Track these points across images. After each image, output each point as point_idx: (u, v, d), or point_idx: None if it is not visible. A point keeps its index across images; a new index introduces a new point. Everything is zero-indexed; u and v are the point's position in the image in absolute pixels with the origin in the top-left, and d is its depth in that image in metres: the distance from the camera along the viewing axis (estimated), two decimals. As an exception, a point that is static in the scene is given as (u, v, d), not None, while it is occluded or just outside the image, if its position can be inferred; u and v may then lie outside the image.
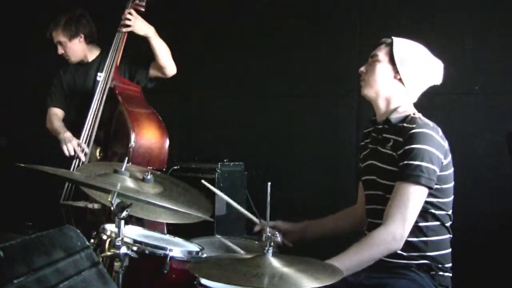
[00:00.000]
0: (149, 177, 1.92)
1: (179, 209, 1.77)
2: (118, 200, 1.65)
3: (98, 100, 2.87)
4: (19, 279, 1.05)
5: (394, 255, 1.90)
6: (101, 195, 1.87)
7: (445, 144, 1.96)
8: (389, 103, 2.06)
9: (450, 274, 1.97)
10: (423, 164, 1.84)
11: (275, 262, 1.50)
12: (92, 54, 3.13)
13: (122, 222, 1.66)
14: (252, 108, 3.92)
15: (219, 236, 2.39)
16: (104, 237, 1.80)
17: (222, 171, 3.41)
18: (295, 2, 3.81)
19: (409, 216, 1.83)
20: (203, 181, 2.14)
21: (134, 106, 2.88)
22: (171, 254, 1.79)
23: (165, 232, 2.45)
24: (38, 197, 3.15)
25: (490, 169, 2.96)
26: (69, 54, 3.07)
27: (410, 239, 1.87)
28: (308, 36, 3.72)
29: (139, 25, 2.88)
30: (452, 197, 1.99)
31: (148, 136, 2.81)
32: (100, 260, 1.38)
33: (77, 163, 2.83)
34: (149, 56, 2.97)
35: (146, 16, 2.98)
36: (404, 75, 2.03)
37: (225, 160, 3.49)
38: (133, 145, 2.73)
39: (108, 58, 2.93)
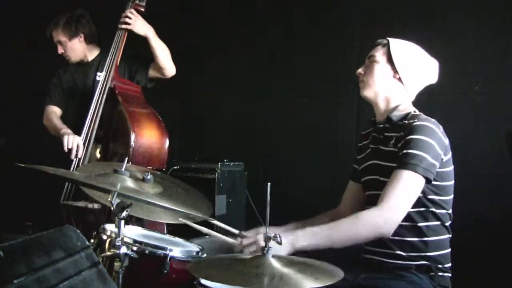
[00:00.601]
0: (149, 177, 1.92)
1: (179, 209, 1.77)
2: (118, 200, 1.65)
3: (98, 100, 2.87)
4: (19, 279, 1.05)
5: (394, 255, 1.90)
6: (101, 195, 1.87)
7: (446, 140, 1.96)
8: (389, 102, 2.07)
9: (450, 274, 1.97)
10: (421, 153, 1.84)
11: (275, 263, 1.50)
12: (92, 54, 3.13)
13: (122, 222, 1.66)
14: (252, 108, 3.92)
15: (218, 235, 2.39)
16: (104, 237, 1.80)
17: (222, 171, 3.42)
18: (295, 2, 3.82)
19: (405, 202, 1.82)
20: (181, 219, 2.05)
21: (134, 106, 2.88)
22: (171, 254, 1.79)
23: (165, 232, 2.45)
24: (38, 197, 3.14)
25: (490, 169, 2.97)
26: (69, 53, 3.07)
27: (410, 239, 1.87)
28: (308, 36, 3.73)
29: (139, 25, 2.88)
30: (452, 196, 1.99)
31: (148, 136, 2.82)
32: (100, 260, 1.38)
33: (76, 163, 2.83)
34: (149, 56, 2.97)
35: (146, 16, 2.98)
36: (403, 74, 2.04)
37: (225, 160, 3.49)
38: (133, 145, 2.73)
39: (108, 58, 2.93)
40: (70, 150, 2.80)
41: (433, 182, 1.89)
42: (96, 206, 2.65)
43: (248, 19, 3.98)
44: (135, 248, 1.73)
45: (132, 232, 2.02)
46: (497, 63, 3.06)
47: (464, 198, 2.11)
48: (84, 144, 2.84)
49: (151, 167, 2.65)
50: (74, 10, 3.09)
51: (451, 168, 1.98)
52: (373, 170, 2.07)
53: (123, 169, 1.82)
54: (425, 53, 2.09)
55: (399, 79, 2.05)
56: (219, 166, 3.41)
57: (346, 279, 1.74)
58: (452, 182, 1.98)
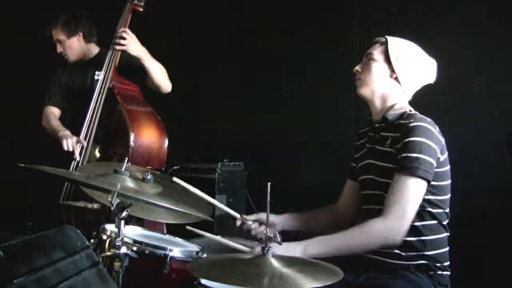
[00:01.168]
0: (149, 177, 1.92)
1: (179, 209, 1.77)
2: (118, 200, 1.65)
3: (97, 100, 2.87)
4: (19, 279, 1.05)
5: (393, 255, 1.90)
6: (101, 195, 1.87)
7: (442, 139, 1.96)
8: (385, 101, 2.07)
9: (449, 273, 1.97)
10: (421, 156, 1.84)
11: (275, 262, 1.50)
12: (91, 53, 3.13)
13: (122, 222, 1.66)
14: (252, 108, 3.92)
15: (218, 236, 2.39)
16: (104, 237, 1.80)
17: (222, 171, 3.42)
18: (295, 2, 3.82)
19: (409, 209, 1.82)
20: (174, 178, 2.09)
21: (133, 106, 2.88)
22: (171, 254, 1.79)
23: (165, 232, 2.45)
24: (38, 197, 3.14)
25: (490, 168, 2.96)
26: (68, 52, 3.07)
27: (408, 238, 1.87)
28: (308, 36, 3.72)
29: (133, 45, 2.84)
30: (449, 195, 1.99)
31: (147, 136, 2.81)
32: (100, 260, 1.38)
33: (76, 163, 2.83)
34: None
35: (146, 16, 2.98)
36: (400, 74, 2.04)
37: (225, 160, 3.49)
38: (132, 145, 2.73)
39: (106, 61, 2.92)
40: (72, 151, 2.80)
41: (431, 183, 1.89)
42: (95, 206, 2.65)
43: (248, 19, 3.98)
44: (135, 248, 1.73)
45: (132, 232, 2.02)
46: (497, 63, 3.05)
47: (463, 197, 2.11)
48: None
49: (150, 167, 2.65)
50: (74, 10, 3.09)
51: (447, 168, 1.98)
52: (369, 170, 2.07)
53: (123, 169, 1.82)
54: (423, 52, 2.09)
55: (396, 78, 2.05)
56: (219, 166, 3.41)
57: (347, 280, 1.75)
58: (449, 181, 1.98)
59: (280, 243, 2.06)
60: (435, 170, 1.89)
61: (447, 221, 1.99)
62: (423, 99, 2.15)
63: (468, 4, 3.13)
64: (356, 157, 2.21)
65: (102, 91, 2.88)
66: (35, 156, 2.36)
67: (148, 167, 2.60)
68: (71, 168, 2.81)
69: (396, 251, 1.89)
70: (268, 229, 1.58)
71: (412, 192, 1.83)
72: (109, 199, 1.65)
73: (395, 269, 1.90)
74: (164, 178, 2.11)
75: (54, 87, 3.17)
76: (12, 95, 4.16)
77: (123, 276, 1.63)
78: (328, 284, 1.41)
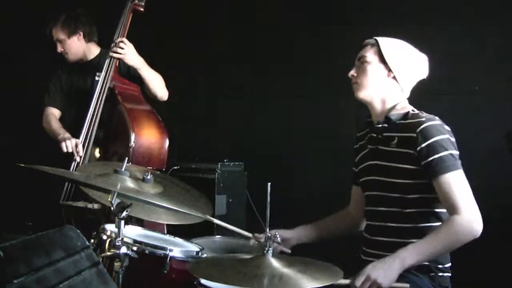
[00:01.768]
0: (149, 177, 1.92)
1: (179, 209, 1.77)
2: (118, 200, 1.65)
3: (98, 100, 2.87)
4: (19, 279, 1.05)
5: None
6: (101, 195, 1.87)
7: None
8: (385, 102, 2.06)
9: (450, 274, 1.97)
10: (449, 152, 1.87)
11: (275, 263, 1.50)
12: (92, 53, 3.12)
13: (122, 222, 1.66)
14: (252, 108, 3.92)
15: (219, 236, 2.40)
16: (104, 237, 1.80)
17: (222, 171, 3.42)
18: (295, 2, 3.82)
19: (471, 200, 1.84)
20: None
21: (134, 105, 2.88)
22: (171, 254, 1.79)
23: (165, 232, 2.45)
24: (38, 197, 3.14)
25: (490, 168, 2.96)
26: (68, 51, 3.06)
27: (411, 240, 1.87)
28: (308, 36, 3.72)
29: (130, 55, 2.84)
30: None
31: (148, 136, 2.81)
32: (100, 260, 1.38)
33: (76, 163, 2.83)
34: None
35: (146, 15, 2.98)
36: (397, 72, 2.03)
37: (225, 160, 3.49)
38: (133, 145, 2.73)
39: (106, 64, 2.92)
40: (71, 153, 2.80)
41: None
42: (95, 206, 2.65)
43: (248, 19, 3.98)
44: (135, 248, 1.73)
45: (132, 232, 2.02)
46: (497, 63, 3.05)
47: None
48: (83, 144, 2.84)
49: (151, 167, 2.65)
50: (74, 9, 3.09)
51: None
52: (372, 171, 2.06)
53: (123, 169, 1.82)
54: (413, 48, 2.09)
55: (394, 77, 2.04)
56: (219, 166, 3.41)
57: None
58: None
59: (279, 243, 2.08)
60: None
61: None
62: (423, 99, 2.15)
63: (468, 4, 3.13)
64: (357, 161, 2.21)
65: (102, 91, 2.87)
66: (35, 156, 2.36)
67: (148, 167, 2.59)
68: (71, 168, 2.81)
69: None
70: (277, 233, 1.58)
71: (463, 184, 1.86)
72: (109, 199, 1.65)
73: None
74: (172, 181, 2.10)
75: (54, 87, 3.16)
76: (12, 95, 4.16)
77: (123, 276, 1.63)
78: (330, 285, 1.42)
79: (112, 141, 2.90)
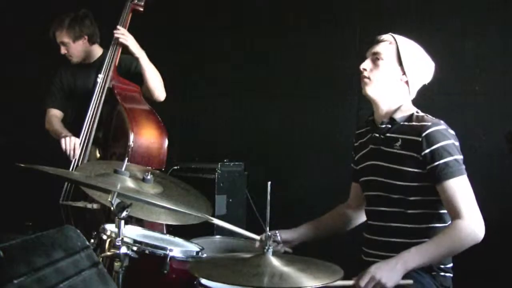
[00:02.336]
0: (149, 177, 1.92)
1: (179, 209, 1.77)
2: (118, 200, 1.65)
3: (97, 100, 2.87)
4: (19, 279, 1.05)
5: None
6: (101, 195, 1.87)
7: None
8: (391, 102, 2.04)
9: (451, 274, 1.97)
10: (455, 157, 1.88)
11: (275, 261, 1.50)
12: (94, 54, 3.12)
13: (122, 222, 1.66)
14: (252, 108, 3.92)
15: (219, 236, 2.40)
16: (104, 237, 1.80)
17: (222, 171, 3.42)
18: (295, 2, 3.82)
19: (474, 205, 1.85)
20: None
21: (133, 105, 2.87)
22: (171, 254, 1.79)
23: (165, 232, 2.45)
24: (38, 197, 3.14)
25: (490, 168, 2.96)
26: (72, 54, 3.06)
27: (414, 240, 1.87)
28: (308, 36, 3.72)
29: (132, 41, 2.86)
30: None
31: (147, 136, 2.81)
32: (100, 260, 1.38)
33: (76, 163, 2.83)
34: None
35: (147, 15, 2.98)
36: (410, 76, 2.02)
37: (225, 160, 3.49)
38: (132, 145, 2.72)
39: (106, 60, 2.92)
40: (68, 151, 2.80)
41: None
42: (95, 206, 2.65)
43: (248, 19, 3.98)
44: (135, 248, 1.73)
45: (132, 232, 2.02)
46: (497, 63, 3.05)
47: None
48: (82, 144, 2.84)
49: (150, 167, 2.64)
50: (77, 10, 3.08)
51: None
52: (372, 171, 2.05)
53: (123, 169, 1.82)
54: (425, 53, 2.08)
55: (406, 81, 2.03)
56: (219, 166, 3.41)
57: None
58: None
59: (279, 242, 2.08)
60: None
61: (450, 222, 1.99)
62: (423, 99, 2.15)
63: (468, 4, 3.13)
64: (356, 158, 2.20)
65: (101, 91, 2.87)
66: (35, 156, 2.36)
67: (148, 167, 2.59)
68: (71, 168, 2.81)
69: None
70: (277, 233, 1.58)
71: (467, 190, 1.87)
72: (109, 199, 1.65)
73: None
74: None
75: (55, 88, 3.16)
76: (12, 95, 4.16)
77: (123, 276, 1.63)
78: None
79: (112, 141, 2.90)
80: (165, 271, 1.76)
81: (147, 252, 1.79)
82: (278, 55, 3.83)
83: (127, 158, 1.91)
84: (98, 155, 2.92)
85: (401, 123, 1.99)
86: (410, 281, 1.76)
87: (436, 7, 3.24)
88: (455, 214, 1.84)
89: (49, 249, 1.19)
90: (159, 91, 2.98)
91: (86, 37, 3.04)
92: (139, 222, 2.29)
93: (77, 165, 2.80)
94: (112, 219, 1.70)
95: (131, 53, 2.88)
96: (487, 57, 3.07)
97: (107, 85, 2.88)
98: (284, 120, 3.80)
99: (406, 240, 1.91)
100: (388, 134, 2.01)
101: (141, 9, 2.96)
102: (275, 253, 1.55)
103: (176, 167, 3.53)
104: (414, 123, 1.96)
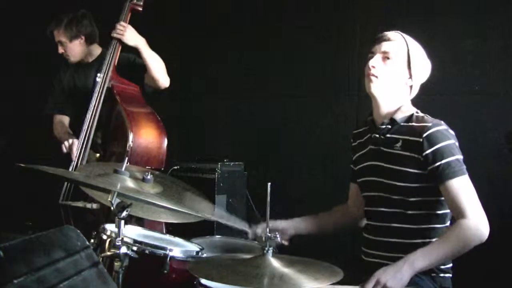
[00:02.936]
0: (149, 177, 1.92)
1: (179, 209, 1.77)
2: (118, 200, 1.65)
3: (96, 100, 2.86)
4: (19, 279, 1.05)
5: (396, 258, 1.89)
6: (101, 195, 1.87)
7: None
8: (393, 103, 2.04)
9: (451, 275, 1.97)
10: (456, 157, 1.88)
11: (275, 263, 1.50)
12: (93, 54, 3.12)
13: (122, 222, 1.66)
14: (252, 108, 3.92)
15: (219, 236, 2.40)
16: (104, 237, 1.81)
17: (222, 171, 3.41)
18: (295, 2, 3.82)
19: (477, 204, 1.85)
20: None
21: (133, 105, 2.87)
22: (171, 254, 1.79)
23: (165, 232, 2.45)
24: (38, 197, 3.14)
25: (490, 169, 2.96)
26: (69, 54, 3.06)
27: (414, 241, 1.87)
28: (308, 36, 3.72)
29: (129, 35, 2.84)
30: None
31: (146, 136, 2.81)
32: (100, 260, 1.38)
33: (75, 163, 2.83)
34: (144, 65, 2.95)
35: (146, 16, 2.98)
36: (416, 78, 2.03)
37: (225, 160, 3.49)
38: (131, 145, 2.72)
39: (106, 59, 2.92)
40: (68, 151, 2.81)
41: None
42: (94, 206, 2.65)
43: (248, 19, 3.98)
44: (135, 248, 1.73)
45: (132, 232, 2.02)
46: (497, 63, 3.05)
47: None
48: (82, 144, 2.84)
49: (149, 167, 2.64)
50: (76, 10, 3.08)
51: None
52: (373, 172, 2.05)
53: (123, 169, 1.82)
54: (425, 54, 2.08)
55: (410, 86, 2.03)
56: (219, 166, 3.41)
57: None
58: None
59: (279, 242, 2.07)
60: None
61: (449, 222, 1.99)
62: (423, 99, 2.15)
63: (468, 4, 3.13)
64: (355, 159, 2.20)
65: (101, 90, 2.87)
66: (35, 156, 2.36)
67: (147, 167, 2.59)
68: (70, 168, 2.81)
69: (401, 255, 1.88)
70: (277, 233, 1.58)
71: (469, 189, 1.87)
72: (109, 199, 1.65)
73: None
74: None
75: (55, 90, 3.17)
76: (12, 95, 4.17)
77: (123, 276, 1.63)
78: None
79: (111, 141, 2.90)
80: (165, 271, 1.76)
81: (147, 252, 1.79)
82: (278, 55, 3.83)
83: (126, 158, 1.91)
84: (97, 155, 2.92)
85: (401, 123, 1.99)
86: None
87: (436, 7, 3.23)
88: (459, 214, 1.84)
89: (49, 249, 1.19)
90: (162, 79, 2.95)
91: (83, 37, 3.04)
92: (139, 222, 2.29)
93: (76, 165, 2.80)
94: (112, 219, 1.70)
95: (131, 47, 2.87)
96: (487, 57, 3.07)
97: (106, 85, 2.88)
98: (284, 120, 3.80)
99: (406, 240, 1.91)
100: (388, 135, 2.01)
101: (140, 9, 2.96)
102: (274, 249, 1.55)
103: (176, 167, 3.53)
104: (414, 124, 1.96)
